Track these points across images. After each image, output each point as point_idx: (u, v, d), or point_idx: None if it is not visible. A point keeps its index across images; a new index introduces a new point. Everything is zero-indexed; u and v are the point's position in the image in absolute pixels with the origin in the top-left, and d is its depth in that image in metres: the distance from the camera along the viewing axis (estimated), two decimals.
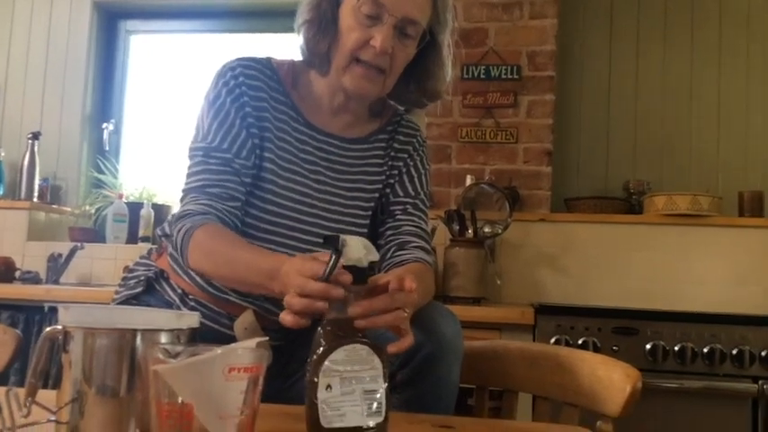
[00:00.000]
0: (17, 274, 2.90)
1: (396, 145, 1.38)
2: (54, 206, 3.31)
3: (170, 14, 3.56)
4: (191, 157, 1.27)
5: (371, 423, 0.85)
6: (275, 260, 1.04)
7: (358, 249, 0.90)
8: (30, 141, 3.24)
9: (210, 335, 1.20)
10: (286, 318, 0.94)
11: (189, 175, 1.26)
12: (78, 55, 3.46)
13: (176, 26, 3.60)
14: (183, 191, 1.26)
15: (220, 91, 1.26)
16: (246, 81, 1.27)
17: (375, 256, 0.93)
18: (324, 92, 1.32)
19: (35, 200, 3.22)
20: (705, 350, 2.20)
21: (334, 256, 0.89)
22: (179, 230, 1.20)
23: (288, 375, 1.25)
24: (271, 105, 1.29)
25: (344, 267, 0.90)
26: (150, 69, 3.61)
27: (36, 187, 3.24)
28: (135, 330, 0.78)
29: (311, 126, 1.31)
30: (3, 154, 3.27)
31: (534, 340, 2.26)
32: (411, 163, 1.39)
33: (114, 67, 3.59)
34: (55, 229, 3.30)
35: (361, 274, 0.90)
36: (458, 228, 2.67)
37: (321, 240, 1.10)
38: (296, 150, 1.29)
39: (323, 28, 1.25)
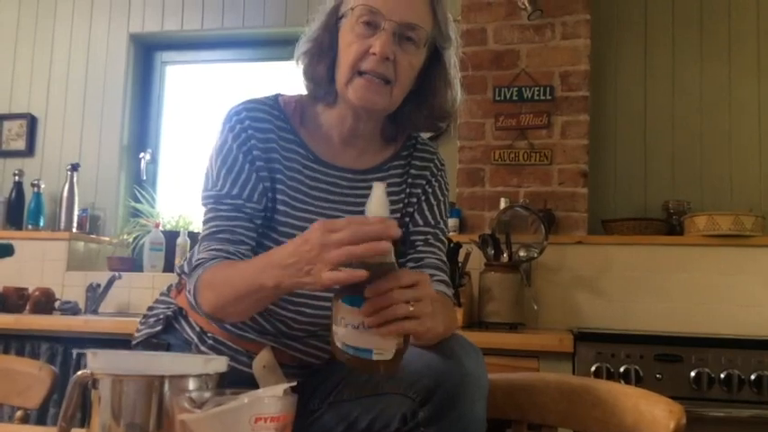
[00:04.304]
0: (57, 304, 2.94)
1: (413, 171, 1.35)
2: (93, 236, 3.37)
3: (204, 45, 3.62)
4: (203, 206, 1.27)
5: None
6: (263, 256, 1.08)
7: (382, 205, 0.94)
8: (69, 173, 3.31)
9: (229, 373, 1.19)
10: (334, 276, 0.92)
11: (203, 224, 1.26)
12: (116, 87, 3.53)
13: (210, 56, 3.66)
14: (199, 240, 1.26)
15: (227, 137, 1.26)
16: (253, 124, 1.25)
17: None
18: (333, 123, 1.29)
19: (74, 230, 3.29)
20: (752, 377, 2.12)
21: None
22: (192, 280, 1.20)
23: (311, 411, 1.23)
24: (280, 146, 1.27)
25: None
26: (186, 99, 3.67)
27: (75, 218, 3.30)
28: (162, 377, 0.78)
29: (322, 162, 1.29)
30: (43, 186, 3.35)
31: (574, 368, 2.20)
32: (429, 190, 1.35)
33: (151, 98, 3.65)
34: (94, 259, 3.36)
35: None
36: (492, 252, 2.64)
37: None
38: (308, 189, 1.27)
39: (319, 52, 1.25)
